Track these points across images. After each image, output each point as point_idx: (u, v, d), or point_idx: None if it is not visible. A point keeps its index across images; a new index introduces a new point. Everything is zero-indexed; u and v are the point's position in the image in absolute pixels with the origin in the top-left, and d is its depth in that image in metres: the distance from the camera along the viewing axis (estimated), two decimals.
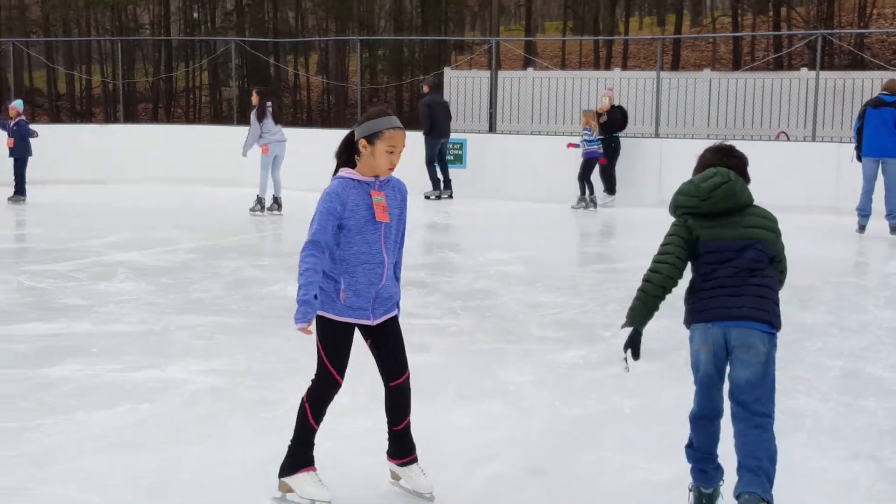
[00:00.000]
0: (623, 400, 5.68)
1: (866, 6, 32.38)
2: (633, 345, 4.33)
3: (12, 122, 15.47)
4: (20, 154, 15.34)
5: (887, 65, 24.95)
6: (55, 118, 34.79)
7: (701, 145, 16.41)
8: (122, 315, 7.64)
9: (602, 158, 15.53)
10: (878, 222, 12.91)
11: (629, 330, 4.33)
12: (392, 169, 4.16)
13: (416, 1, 37.42)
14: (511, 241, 12.41)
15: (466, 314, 7.88)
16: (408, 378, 4.30)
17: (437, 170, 16.53)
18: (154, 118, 35.05)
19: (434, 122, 16.35)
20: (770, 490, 3.79)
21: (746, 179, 4.28)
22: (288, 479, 4.19)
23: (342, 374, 4.20)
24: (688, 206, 4.26)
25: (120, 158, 18.59)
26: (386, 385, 4.29)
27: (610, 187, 15.74)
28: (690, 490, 4.21)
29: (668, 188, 15.48)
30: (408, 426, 4.34)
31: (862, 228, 12.94)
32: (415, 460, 4.35)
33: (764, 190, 16.77)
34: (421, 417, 5.38)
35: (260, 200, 14.11)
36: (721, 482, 4.18)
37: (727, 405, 4.02)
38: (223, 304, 8.13)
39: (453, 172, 16.83)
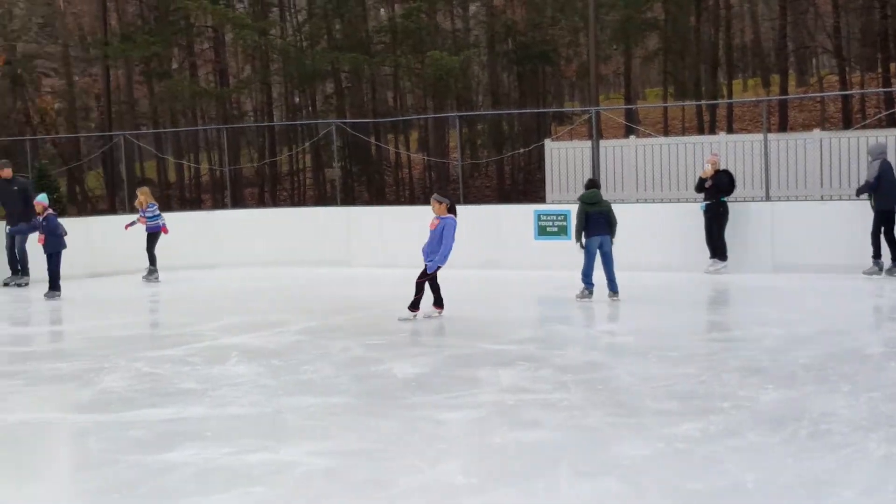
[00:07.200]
0: (744, 474, 5.49)
1: None
2: (580, 244, 12.75)
3: (41, 218, 14.96)
4: (53, 249, 14.86)
5: None
6: (166, 206, 35.66)
7: (815, 207, 16.19)
8: (235, 398, 7.71)
9: (164, 228, 16.97)
10: None
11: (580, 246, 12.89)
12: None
13: (513, 75, 37.70)
14: (620, 312, 12.24)
15: (577, 388, 7.75)
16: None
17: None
18: (260, 202, 35.74)
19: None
20: None
21: (598, 188, 12.95)
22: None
23: None
24: (583, 200, 12.63)
25: (229, 243, 19.02)
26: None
27: (720, 253, 15.45)
28: None
29: (782, 252, 15.28)
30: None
31: None
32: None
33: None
34: (534, 494, 5.30)
35: None
36: None
37: None
38: (333, 385, 8.15)
39: (558, 244, 16.73)
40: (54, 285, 14.89)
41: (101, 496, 5.46)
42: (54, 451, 6.67)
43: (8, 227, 16.33)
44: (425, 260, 11.56)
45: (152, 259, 16.91)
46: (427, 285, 11.62)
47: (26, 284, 16.30)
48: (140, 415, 7.23)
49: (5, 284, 16.40)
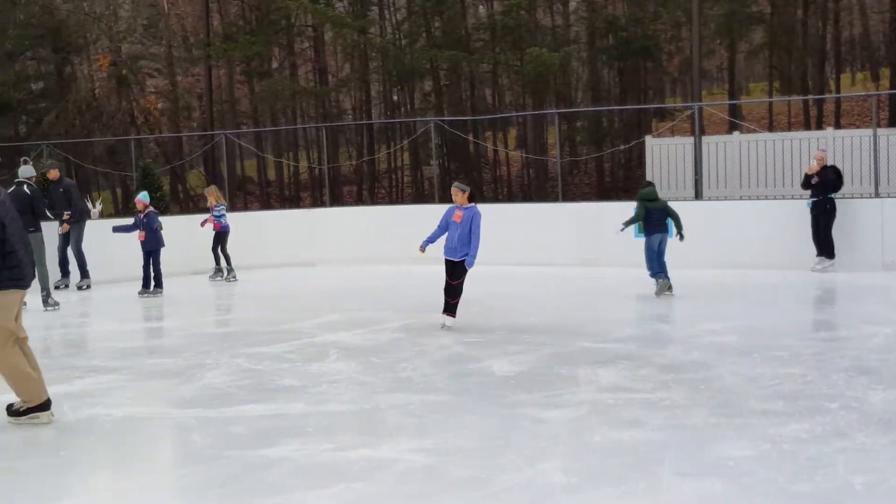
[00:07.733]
0: (853, 476, 5.32)
1: None
2: (626, 225, 13.50)
3: (142, 216, 15.08)
4: (152, 247, 15.09)
5: None
6: (266, 204, 36.27)
7: None
8: (334, 395, 7.76)
9: (216, 224, 16.83)
10: None
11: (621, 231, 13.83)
12: None
13: (613, 71, 37.32)
14: (723, 310, 12.00)
15: (679, 387, 7.60)
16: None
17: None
18: (359, 200, 36.02)
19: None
20: None
21: (654, 187, 13.56)
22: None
23: None
24: (643, 198, 13.21)
25: (327, 240, 19.18)
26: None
27: (828, 251, 15.05)
28: None
29: (892, 250, 14.83)
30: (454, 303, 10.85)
31: None
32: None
33: None
34: (635, 494, 5.20)
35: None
36: None
37: None
38: (431, 382, 8.15)
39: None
40: (158, 282, 15.23)
41: (203, 491, 5.54)
42: (157, 446, 6.79)
43: (60, 228, 16.14)
44: (453, 257, 10.89)
45: (227, 258, 16.99)
46: (444, 289, 10.97)
47: (87, 287, 16.24)
48: (241, 410, 7.32)
49: (56, 288, 16.03)
